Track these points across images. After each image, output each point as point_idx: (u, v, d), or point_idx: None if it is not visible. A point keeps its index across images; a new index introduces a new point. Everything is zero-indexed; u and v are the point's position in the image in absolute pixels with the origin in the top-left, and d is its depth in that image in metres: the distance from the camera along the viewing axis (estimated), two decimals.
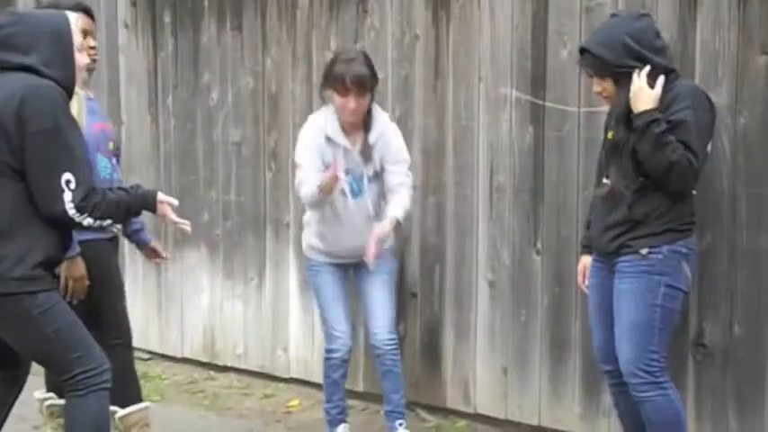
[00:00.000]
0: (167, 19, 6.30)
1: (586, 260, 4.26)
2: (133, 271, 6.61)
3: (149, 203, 3.96)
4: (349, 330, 4.90)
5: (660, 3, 4.41)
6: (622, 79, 3.88)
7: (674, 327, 4.00)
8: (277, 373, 6.01)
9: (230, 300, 6.19)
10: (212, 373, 6.29)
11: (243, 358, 6.16)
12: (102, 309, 4.55)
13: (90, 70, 4.57)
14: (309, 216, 4.90)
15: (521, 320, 4.99)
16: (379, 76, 5.25)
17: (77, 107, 4.02)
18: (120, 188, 3.97)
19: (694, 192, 3.94)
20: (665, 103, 3.81)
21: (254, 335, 6.09)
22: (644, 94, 3.78)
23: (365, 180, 4.70)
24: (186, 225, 4.12)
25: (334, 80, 4.63)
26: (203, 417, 5.60)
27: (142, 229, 4.95)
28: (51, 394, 4.69)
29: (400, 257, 5.28)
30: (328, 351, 4.91)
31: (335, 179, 4.50)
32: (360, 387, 5.53)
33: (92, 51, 4.50)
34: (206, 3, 6.10)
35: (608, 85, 3.97)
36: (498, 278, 5.06)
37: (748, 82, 4.21)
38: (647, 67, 3.81)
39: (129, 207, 3.90)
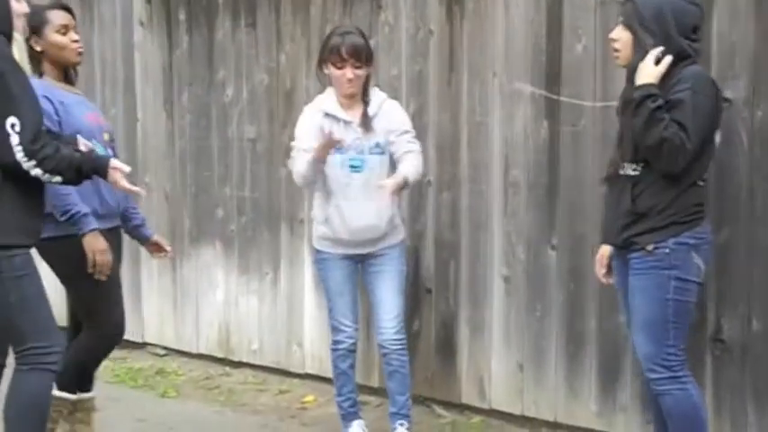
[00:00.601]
0: (182, 16, 6.31)
1: (605, 249, 4.22)
2: (148, 268, 6.62)
3: (100, 168, 3.92)
4: (354, 323, 4.90)
5: None
6: (639, 51, 3.86)
7: (690, 319, 3.96)
8: (292, 369, 6.01)
9: (245, 295, 6.19)
10: (227, 368, 6.30)
11: (258, 354, 6.17)
12: (84, 301, 4.60)
13: (75, 64, 4.60)
14: (316, 205, 4.89)
15: (536, 316, 4.98)
16: (393, 71, 5.28)
17: (18, 53, 3.97)
18: (75, 150, 3.97)
19: (701, 183, 3.88)
20: (669, 85, 3.77)
21: (269, 330, 6.10)
22: (647, 69, 3.76)
23: (366, 153, 4.70)
24: (139, 191, 4.15)
25: (329, 53, 4.66)
26: (219, 412, 5.60)
27: (143, 224, 4.95)
28: (63, 394, 4.68)
29: (414, 253, 5.29)
30: (334, 342, 4.92)
31: (331, 142, 4.52)
32: (375, 383, 5.53)
33: (75, 44, 4.53)
34: (220, 0, 6.10)
35: (625, 38, 3.92)
36: (513, 274, 5.05)
37: (766, 75, 4.18)
38: (660, 48, 3.78)
39: (80, 167, 3.84)
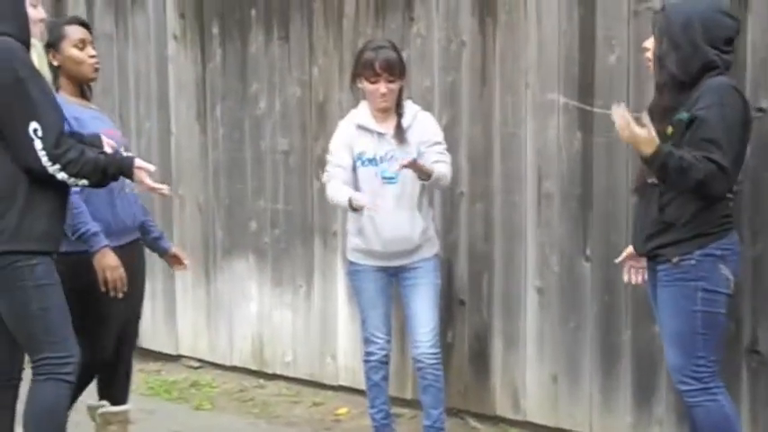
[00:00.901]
0: (215, 30, 6.34)
1: (630, 249, 4.22)
2: (183, 281, 6.64)
3: (125, 168, 3.95)
4: (387, 335, 4.91)
5: None
6: (662, 66, 3.86)
7: (721, 330, 3.92)
8: (326, 381, 6.01)
9: (279, 308, 6.20)
10: (261, 380, 6.30)
11: (292, 366, 6.17)
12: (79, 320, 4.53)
13: (91, 79, 4.62)
14: (350, 216, 4.90)
15: (570, 327, 4.96)
16: (426, 83, 5.28)
17: (37, 59, 4.01)
18: (100, 152, 3.97)
19: (729, 194, 3.83)
20: (694, 98, 3.75)
21: (303, 343, 6.10)
22: (641, 139, 3.69)
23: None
24: (164, 189, 4.10)
25: (363, 67, 4.69)
26: (253, 424, 5.61)
27: (161, 237, 4.98)
28: (104, 402, 4.72)
29: (447, 265, 5.28)
30: (367, 354, 4.94)
31: (367, 204, 4.55)
32: (409, 395, 5.52)
33: (92, 60, 4.55)
34: (253, 13, 6.13)
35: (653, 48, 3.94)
36: (547, 285, 5.03)
37: None
38: (622, 105, 3.73)
39: (106, 169, 3.87)
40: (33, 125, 3.70)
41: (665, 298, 3.91)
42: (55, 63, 4.49)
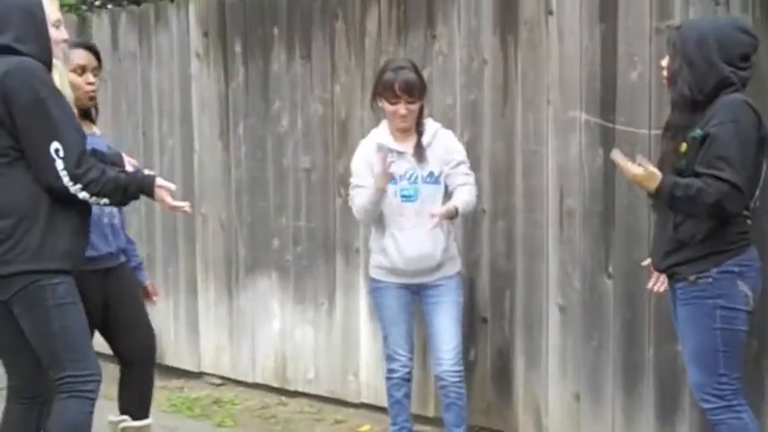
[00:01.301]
0: (238, 48, 6.37)
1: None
2: (205, 298, 6.67)
3: (146, 186, 3.97)
4: (409, 352, 4.92)
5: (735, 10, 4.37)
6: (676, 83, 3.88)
7: (742, 347, 3.90)
8: (348, 399, 6.01)
9: (301, 325, 6.21)
10: (283, 398, 6.31)
11: (314, 383, 6.17)
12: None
13: (85, 107, 4.58)
14: (372, 234, 4.93)
15: (593, 345, 4.95)
16: (448, 101, 5.29)
17: (59, 79, 4.01)
18: (121, 171, 3.98)
19: (745, 212, 3.83)
20: (708, 116, 3.76)
21: (325, 360, 6.10)
22: (640, 177, 3.74)
23: (419, 182, 4.72)
24: (185, 206, 4.11)
25: (383, 88, 4.73)
26: None
27: (138, 267, 4.97)
28: (125, 417, 4.73)
29: (470, 282, 5.27)
30: (389, 371, 4.95)
31: (385, 170, 4.58)
32: (431, 413, 5.51)
33: (89, 87, 4.56)
34: (276, 32, 6.16)
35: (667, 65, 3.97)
36: (569, 303, 5.02)
37: None
38: (616, 150, 3.82)
39: (127, 188, 3.90)
40: (55, 145, 3.73)
41: (684, 316, 3.90)
42: None
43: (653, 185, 3.72)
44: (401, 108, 4.69)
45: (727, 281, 3.79)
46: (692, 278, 3.80)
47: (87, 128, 4.55)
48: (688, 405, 4.62)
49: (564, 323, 5.05)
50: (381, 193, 4.67)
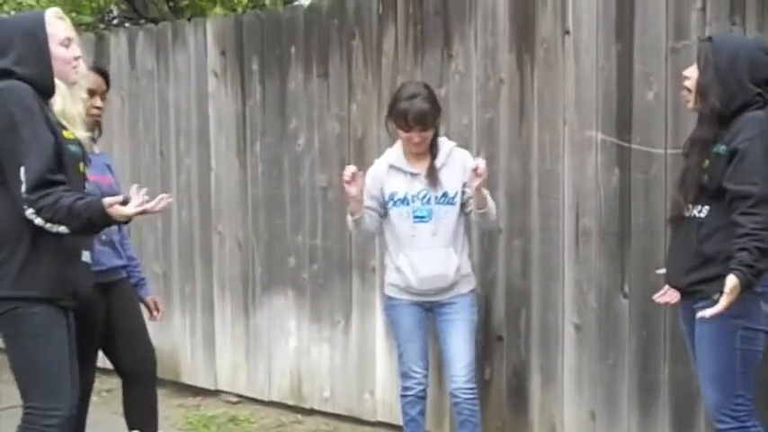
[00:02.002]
0: (255, 67, 6.40)
1: (667, 288, 4.18)
2: (222, 317, 6.68)
3: (97, 212, 3.68)
4: (424, 369, 4.92)
5: (751, 30, 4.37)
6: (705, 99, 3.84)
7: (757, 367, 3.88)
8: (364, 417, 6.01)
9: (317, 343, 6.22)
10: (299, 416, 6.31)
11: (330, 402, 6.18)
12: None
13: (91, 130, 4.57)
14: (387, 253, 4.95)
15: (608, 364, 4.94)
16: (464, 120, 5.30)
17: (61, 99, 3.93)
18: (79, 198, 3.71)
19: None
20: (732, 132, 3.74)
21: (341, 378, 6.11)
22: (732, 296, 3.63)
23: (433, 203, 4.74)
24: (158, 204, 3.76)
25: (396, 117, 4.75)
26: None
27: (140, 283, 4.97)
28: None
29: (485, 301, 5.28)
30: (404, 388, 4.95)
31: (354, 194, 4.70)
32: (446, 430, 5.51)
33: (95, 110, 4.57)
34: (293, 51, 6.19)
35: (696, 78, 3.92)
36: (585, 322, 5.02)
37: None
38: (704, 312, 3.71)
39: (81, 214, 3.66)
40: (22, 168, 3.63)
41: (703, 335, 3.86)
42: None
43: (739, 289, 3.62)
44: (414, 137, 4.72)
45: (750, 302, 3.73)
46: (715, 297, 3.70)
47: (87, 147, 4.58)
48: (703, 424, 4.61)
49: (579, 342, 5.05)
50: (354, 213, 4.78)
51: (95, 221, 3.72)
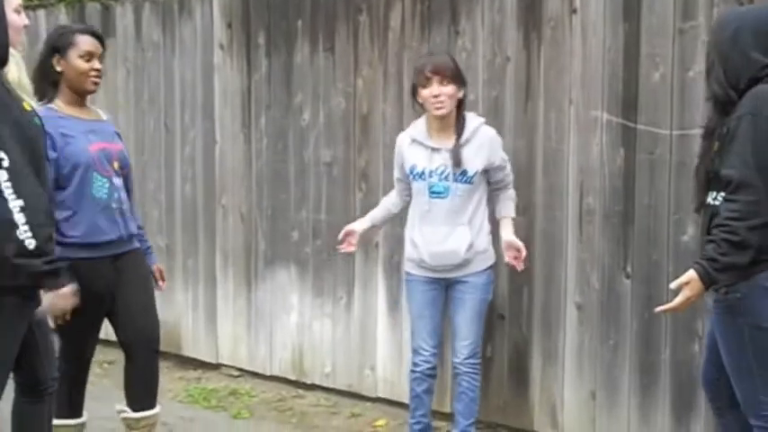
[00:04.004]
0: (261, 40, 6.38)
1: None
2: (224, 290, 6.68)
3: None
4: (433, 348, 4.94)
5: None
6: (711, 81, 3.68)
7: None
8: (364, 393, 6.02)
9: (319, 318, 6.22)
10: (300, 390, 6.32)
11: (330, 377, 6.19)
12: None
13: (89, 92, 4.58)
14: (407, 226, 4.98)
15: (609, 344, 4.95)
16: (470, 97, 5.27)
17: (16, 70, 3.86)
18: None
19: None
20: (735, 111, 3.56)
21: (343, 354, 6.12)
22: (687, 295, 3.56)
23: (451, 180, 4.73)
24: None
25: (417, 75, 4.79)
26: None
27: (146, 252, 4.91)
28: (125, 408, 4.71)
29: None
30: (413, 364, 4.99)
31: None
32: (447, 408, 5.52)
33: (93, 73, 4.52)
34: (299, 25, 6.16)
35: None
36: (587, 301, 5.02)
37: None
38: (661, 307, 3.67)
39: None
40: None
41: (717, 329, 3.71)
42: (58, 69, 4.48)
43: (699, 285, 3.52)
44: (434, 88, 4.69)
45: (757, 298, 3.53)
46: (722, 291, 3.59)
47: (83, 117, 4.57)
48: (703, 405, 4.61)
49: (581, 322, 5.05)
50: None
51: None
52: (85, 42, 4.52)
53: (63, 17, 7.54)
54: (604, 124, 4.89)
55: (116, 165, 4.60)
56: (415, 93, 4.84)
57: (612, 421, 4.96)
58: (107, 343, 5.21)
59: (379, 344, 5.93)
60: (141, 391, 4.76)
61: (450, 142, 4.76)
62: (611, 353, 4.95)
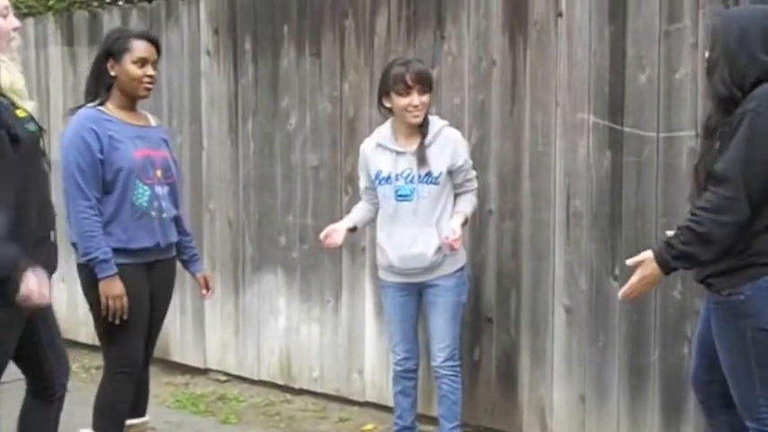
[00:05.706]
0: (248, 46, 6.38)
1: None
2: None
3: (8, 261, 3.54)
4: (408, 350, 5.01)
5: None
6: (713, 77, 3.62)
7: None
8: (352, 397, 6.02)
9: (307, 323, 6.22)
10: (288, 395, 6.32)
11: (318, 381, 6.18)
12: (99, 330, 4.59)
13: (141, 98, 4.61)
14: (377, 231, 4.99)
15: (598, 347, 4.95)
16: (456, 101, 5.29)
17: (5, 72, 3.75)
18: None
19: None
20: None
21: (330, 358, 6.11)
22: (641, 276, 3.60)
23: (416, 182, 4.74)
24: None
25: (394, 82, 4.74)
26: None
27: (192, 259, 4.99)
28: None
29: (475, 282, 5.28)
30: (393, 365, 5.07)
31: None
32: (434, 412, 5.51)
33: (146, 80, 4.54)
34: (286, 30, 6.17)
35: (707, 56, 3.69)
36: (575, 304, 5.02)
37: None
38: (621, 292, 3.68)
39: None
40: None
41: (716, 332, 3.66)
42: (112, 73, 4.49)
43: (653, 266, 3.56)
44: (414, 98, 4.70)
45: (761, 300, 3.49)
46: (724, 293, 3.55)
47: (133, 122, 4.58)
48: (692, 407, 4.61)
49: (570, 324, 5.05)
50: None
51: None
52: (140, 48, 4.51)
53: (51, 25, 7.53)
54: (591, 127, 4.90)
55: (159, 173, 4.57)
56: (382, 97, 4.84)
57: (602, 423, 4.97)
58: (94, 348, 5.19)
59: (366, 348, 5.92)
60: (139, 399, 4.77)
61: (414, 145, 4.78)
62: (599, 355, 4.95)
